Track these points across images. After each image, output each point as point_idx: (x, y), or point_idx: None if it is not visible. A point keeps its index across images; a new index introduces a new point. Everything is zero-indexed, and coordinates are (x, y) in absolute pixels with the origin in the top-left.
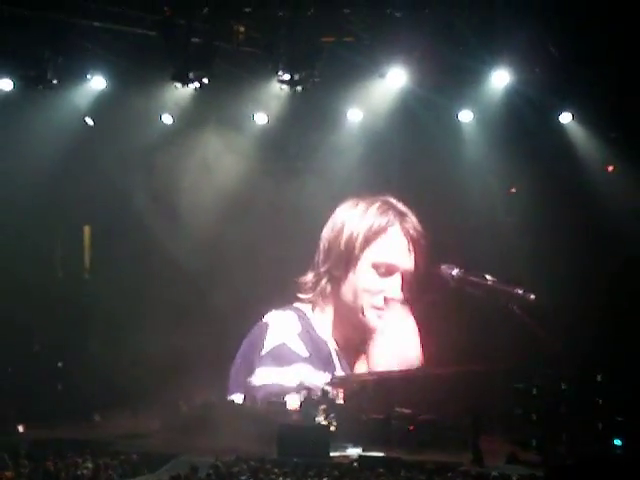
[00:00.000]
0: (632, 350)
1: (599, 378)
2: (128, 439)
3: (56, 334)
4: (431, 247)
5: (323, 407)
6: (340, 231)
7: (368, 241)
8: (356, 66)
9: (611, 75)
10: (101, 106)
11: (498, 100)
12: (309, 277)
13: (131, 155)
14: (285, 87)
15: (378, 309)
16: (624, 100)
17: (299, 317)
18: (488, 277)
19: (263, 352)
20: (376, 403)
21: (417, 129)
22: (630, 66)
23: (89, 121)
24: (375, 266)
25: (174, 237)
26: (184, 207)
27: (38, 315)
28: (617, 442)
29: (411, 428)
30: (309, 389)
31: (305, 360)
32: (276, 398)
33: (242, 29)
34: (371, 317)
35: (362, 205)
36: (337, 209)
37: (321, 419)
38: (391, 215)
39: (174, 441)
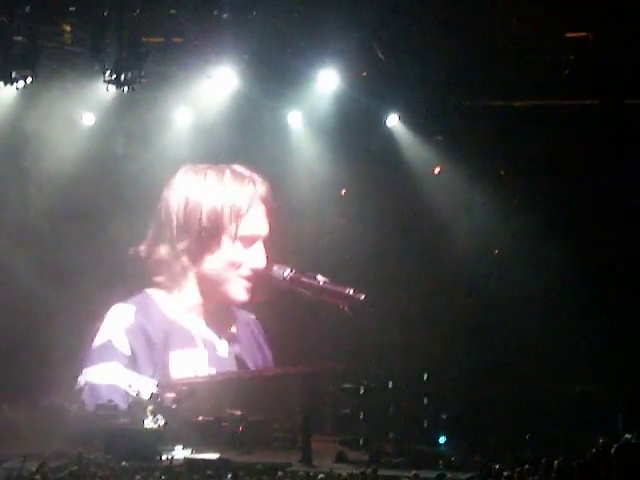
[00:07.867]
0: (457, 350)
1: (425, 377)
2: None
3: None
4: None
5: (151, 410)
6: (198, 205)
7: (237, 215)
8: (185, 67)
9: (435, 78)
10: None
11: (327, 102)
12: (162, 253)
13: None
14: (112, 87)
15: (245, 279)
16: (449, 103)
17: (139, 309)
18: (320, 277)
19: (92, 349)
20: (206, 405)
21: (247, 131)
22: (454, 70)
23: None
24: (240, 238)
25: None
26: (9, 204)
27: None
28: (441, 439)
29: (240, 429)
30: (135, 391)
31: (126, 358)
32: (101, 400)
33: (68, 28)
34: (237, 289)
35: (212, 174)
36: (180, 181)
37: (150, 422)
38: (249, 184)
39: None
